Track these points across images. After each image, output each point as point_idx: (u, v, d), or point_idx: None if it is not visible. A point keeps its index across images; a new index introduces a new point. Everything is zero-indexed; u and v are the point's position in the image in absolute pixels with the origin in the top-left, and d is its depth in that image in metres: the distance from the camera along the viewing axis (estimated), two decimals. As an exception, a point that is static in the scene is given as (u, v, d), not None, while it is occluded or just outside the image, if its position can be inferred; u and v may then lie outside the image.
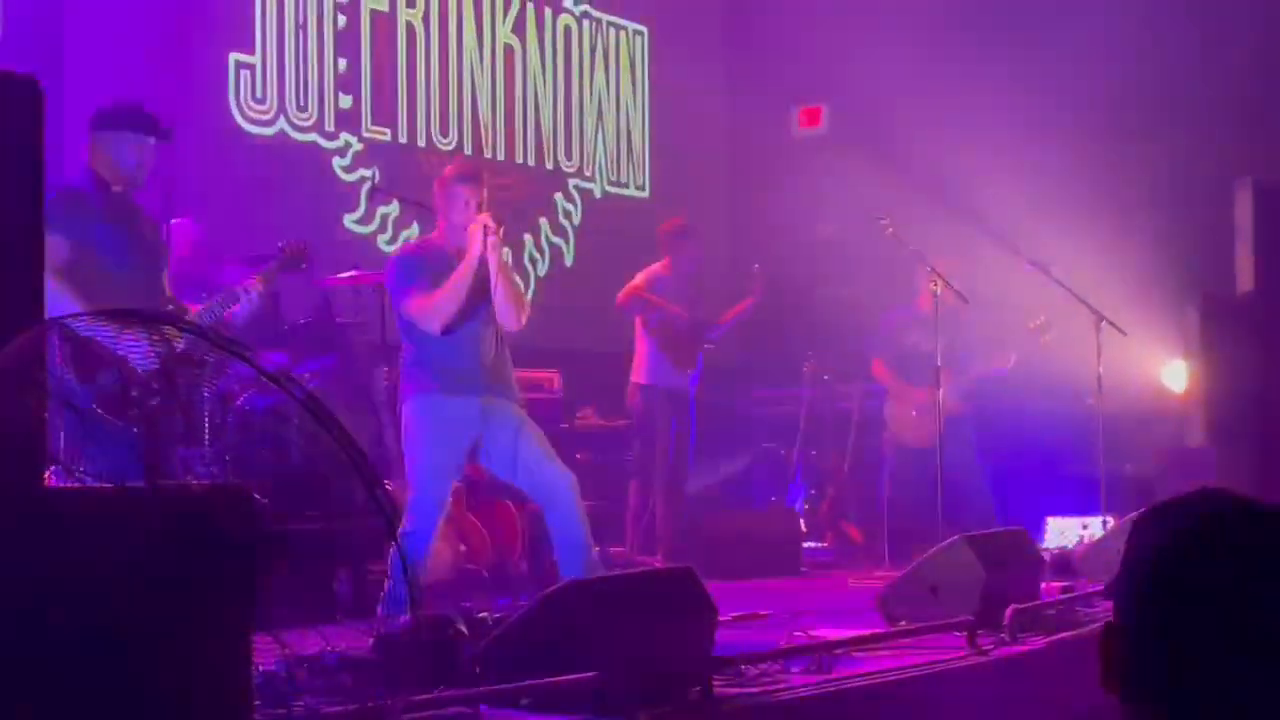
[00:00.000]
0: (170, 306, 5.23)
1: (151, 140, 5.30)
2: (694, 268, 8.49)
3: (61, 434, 3.00)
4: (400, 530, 5.52)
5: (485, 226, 5.53)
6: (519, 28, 10.03)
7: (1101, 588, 6.39)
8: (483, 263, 5.56)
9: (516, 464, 5.61)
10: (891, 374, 8.73)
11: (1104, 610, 6.05)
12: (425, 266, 5.60)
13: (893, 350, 8.72)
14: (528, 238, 10.00)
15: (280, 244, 5.85)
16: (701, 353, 8.50)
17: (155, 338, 2.91)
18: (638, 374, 8.40)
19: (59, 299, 4.79)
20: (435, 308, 5.50)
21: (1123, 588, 1.51)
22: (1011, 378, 8.82)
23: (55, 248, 4.86)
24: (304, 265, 5.83)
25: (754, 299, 8.72)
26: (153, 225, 5.44)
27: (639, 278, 8.41)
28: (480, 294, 5.59)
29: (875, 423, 9.06)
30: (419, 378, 5.59)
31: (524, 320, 5.70)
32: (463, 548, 6.74)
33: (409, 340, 5.68)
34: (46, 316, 4.06)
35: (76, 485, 3.02)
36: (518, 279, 5.95)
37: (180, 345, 2.99)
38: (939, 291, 7.64)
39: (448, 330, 5.53)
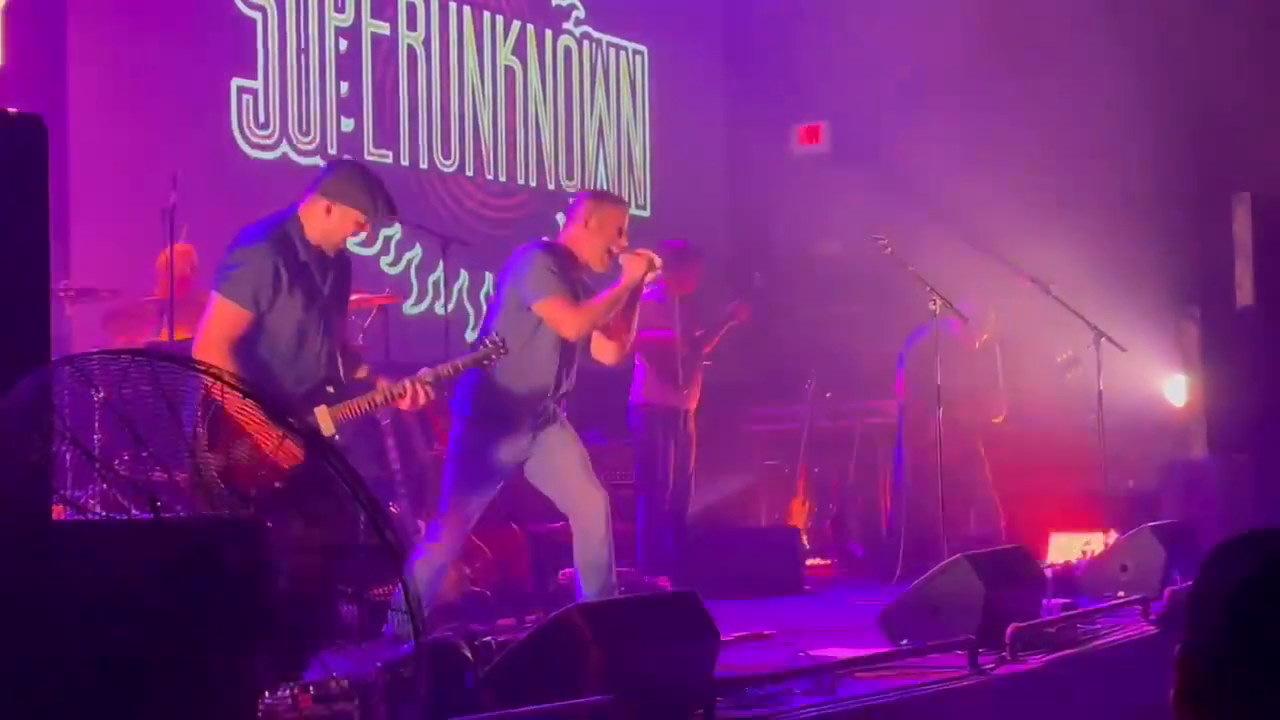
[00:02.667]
0: (337, 381, 5.01)
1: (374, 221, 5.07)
2: (692, 289, 8.52)
3: (69, 469, 3.03)
4: (421, 544, 5.58)
5: (651, 261, 5.58)
6: (519, 49, 10.08)
7: (1105, 605, 6.41)
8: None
9: (555, 480, 5.68)
10: (916, 392, 8.54)
11: (1106, 627, 6.07)
12: (563, 273, 5.60)
13: (922, 369, 8.50)
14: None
15: (480, 338, 5.52)
16: (699, 371, 8.52)
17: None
18: (635, 394, 8.45)
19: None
20: (582, 318, 5.52)
21: (1201, 618, 1.58)
22: (1013, 393, 8.85)
23: (235, 318, 4.78)
24: (489, 365, 5.45)
25: (743, 310, 8.75)
26: (347, 268, 5.16)
27: None
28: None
29: (882, 440, 9.05)
30: (479, 402, 5.58)
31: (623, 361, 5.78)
32: (468, 570, 6.76)
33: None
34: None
35: (83, 518, 3.05)
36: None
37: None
38: (938, 311, 7.66)
39: (533, 354, 5.53)
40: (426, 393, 5.12)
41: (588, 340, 5.75)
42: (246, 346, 4.81)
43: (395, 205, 5.15)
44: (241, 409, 3.18)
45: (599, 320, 5.61)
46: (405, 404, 5.14)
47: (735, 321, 8.76)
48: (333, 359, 5.04)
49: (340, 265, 5.11)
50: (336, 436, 4.90)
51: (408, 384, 5.09)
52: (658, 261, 5.65)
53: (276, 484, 3.15)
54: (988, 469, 8.59)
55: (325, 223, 4.96)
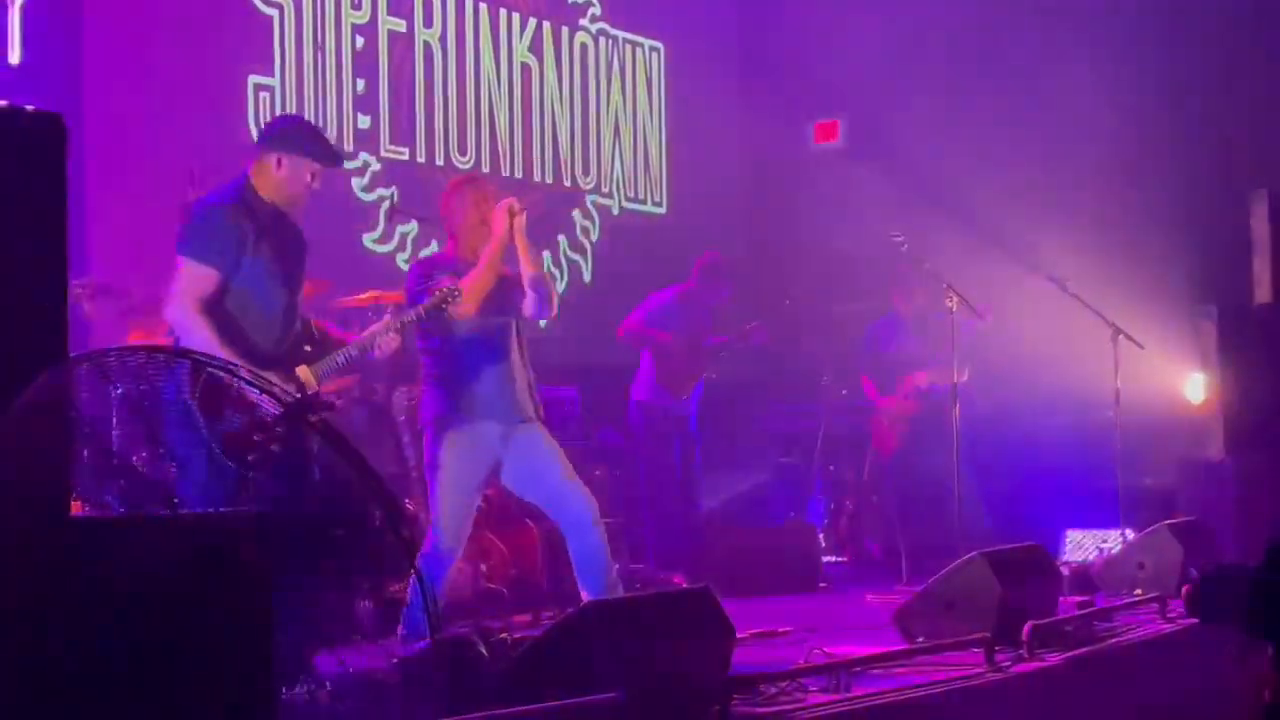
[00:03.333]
0: (312, 339, 5.09)
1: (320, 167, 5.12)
2: (723, 301, 8.58)
3: (85, 465, 3.05)
4: (423, 551, 5.58)
5: (510, 207, 5.55)
6: (536, 46, 10.08)
7: (1122, 603, 6.39)
8: (503, 284, 5.60)
9: (536, 484, 5.66)
10: (874, 388, 8.89)
11: (1123, 625, 6.06)
12: (441, 269, 5.61)
13: (870, 363, 8.91)
14: (546, 255, 10.04)
15: (432, 284, 5.50)
16: (701, 380, 8.58)
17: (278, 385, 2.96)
18: (636, 390, 8.49)
19: (197, 334, 4.77)
20: (465, 296, 5.47)
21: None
22: (1029, 391, 8.83)
23: (204, 277, 4.85)
24: (449, 309, 5.47)
25: (759, 332, 8.79)
26: (303, 241, 5.21)
27: (643, 306, 8.51)
28: (502, 308, 5.62)
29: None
30: (439, 401, 5.61)
31: (555, 308, 5.75)
32: (483, 566, 6.77)
33: (429, 359, 5.71)
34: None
35: (100, 514, 3.07)
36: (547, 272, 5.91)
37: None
38: (955, 308, 7.64)
39: (473, 335, 5.53)
40: (391, 339, 5.21)
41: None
42: (218, 306, 4.86)
43: (341, 153, 5.24)
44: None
45: (485, 281, 5.52)
46: (378, 352, 5.22)
47: (749, 341, 8.78)
48: (303, 318, 5.14)
49: (298, 235, 5.18)
50: (320, 392, 4.98)
51: (376, 333, 5.19)
52: (516, 205, 5.59)
53: (275, 446, 3.16)
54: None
55: (277, 175, 5.04)
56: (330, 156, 5.19)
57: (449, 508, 5.54)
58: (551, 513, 5.70)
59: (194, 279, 4.86)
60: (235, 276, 4.88)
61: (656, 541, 8.32)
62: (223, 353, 4.57)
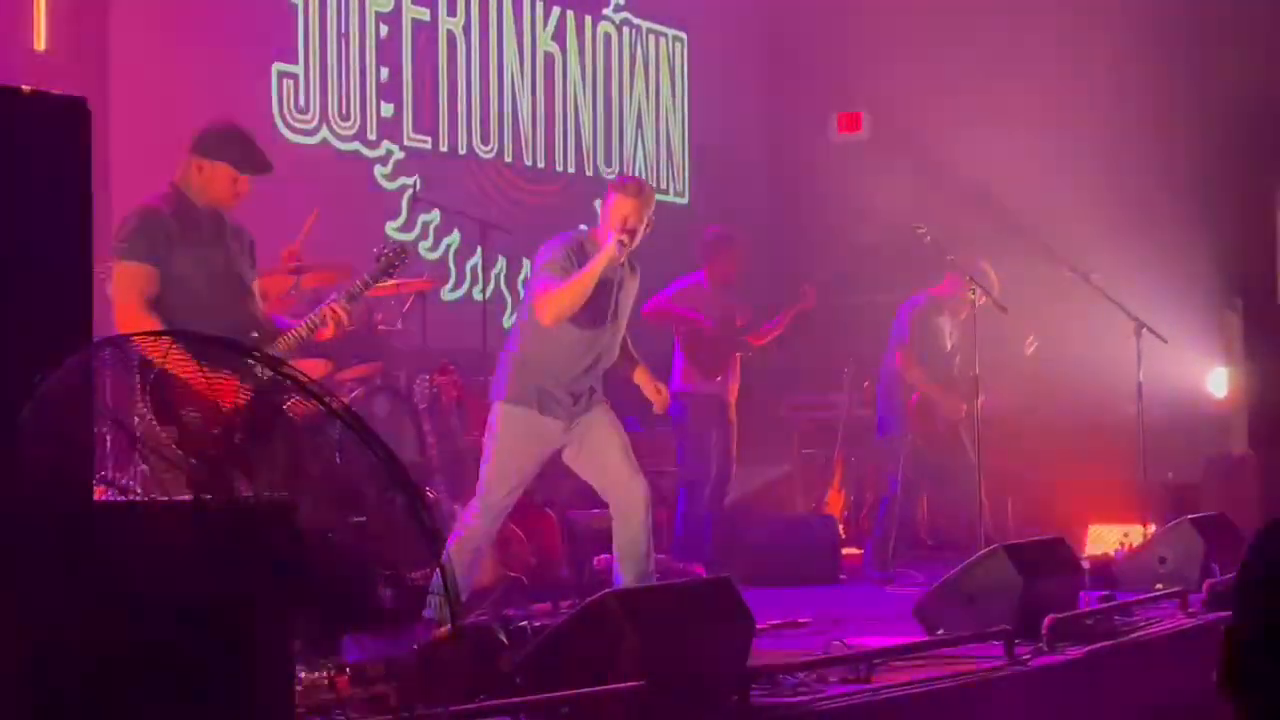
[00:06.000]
0: (256, 329, 5.10)
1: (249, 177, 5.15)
2: (733, 277, 8.49)
3: (109, 450, 3.05)
4: (457, 528, 5.62)
5: (620, 240, 5.58)
6: (559, 36, 10.08)
7: (1143, 597, 6.37)
8: (613, 288, 5.64)
9: (592, 467, 5.72)
10: (920, 370, 8.11)
11: (1144, 620, 6.04)
12: (576, 257, 5.62)
13: (916, 346, 8.16)
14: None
15: (376, 250, 5.50)
16: (736, 359, 8.49)
17: (243, 369, 2.95)
18: (675, 382, 8.44)
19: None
20: (550, 303, 5.52)
21: (1246, 600, 1.61)
22: (1052, 384, 8.79)
23: (142, 275, 4.88)
24: (394, 272, 5.52)
25: (797, 310, 8.70)
26: (246, 240, 5.23)
27: (670, 289, 8.45)
28: (600, 314, 5.66)
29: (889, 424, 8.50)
30: (515, 382, 5.63)
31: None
32: (506, 555, 6.78)
33: (521, 340, 5.72)
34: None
35: (124, 499, 3.08)
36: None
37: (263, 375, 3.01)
38: (979, 302, 7.61)
39: (564, 333, 5.56)
40: (343, 313, 5.17)
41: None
42: (162, 302, 4.88)
43: (268, 161, 5.20)
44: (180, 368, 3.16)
45: (573, 302, 5.55)
46: (329, 331, 5.18)
47: (804, 305, 8.70)
48: (252, 307, 5.14)
49: (239, 234, 5.20)
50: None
51: (325, 310, 5.17)
52: (628, 239, 5.61)
53: (237, 437, 3.14)
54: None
55: (199, 180, 5.07)
56: (250, 164, 5.15)
57: (495, 488, 5.59)
58: (606, 496, 5.74)
59: (132, 279, 4.89)
60: (170, 272, 4.92)
61: (683, 532, 8.31)
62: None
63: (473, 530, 5.58)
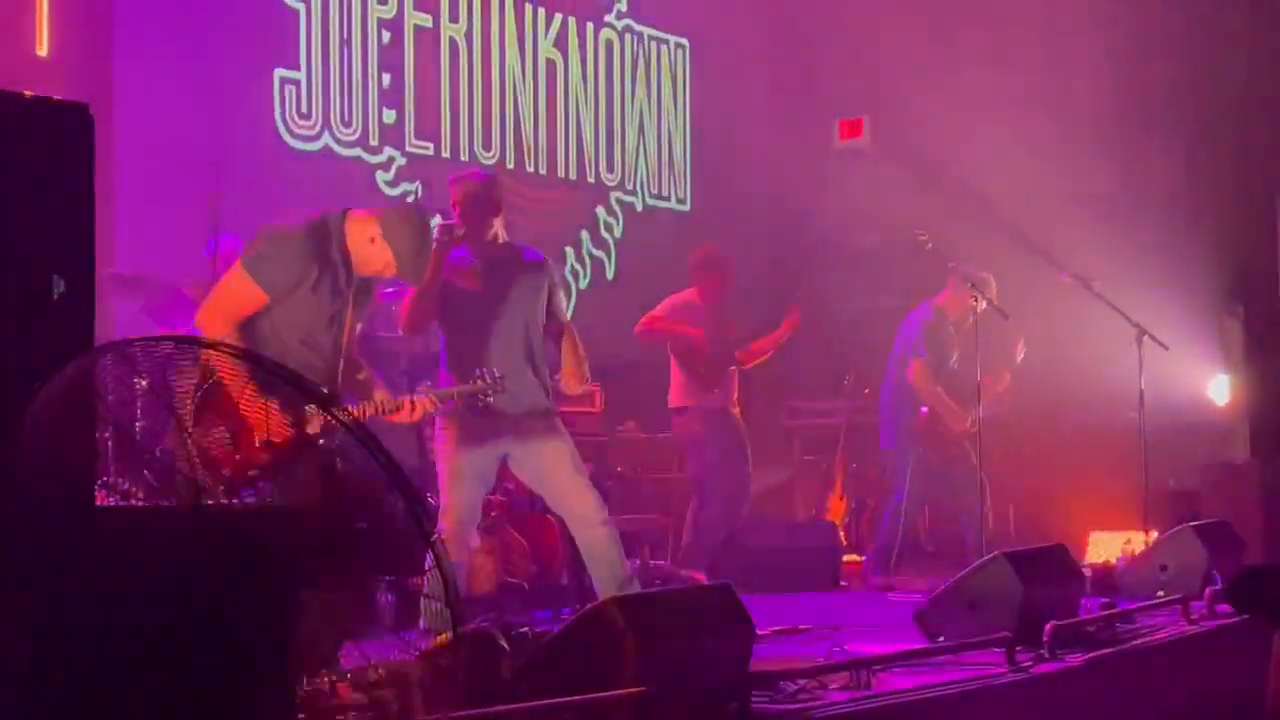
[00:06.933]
0: (333, 384, 4.91)
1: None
2: (723, 296, 8.42)
3: (111, 455, 3.06)
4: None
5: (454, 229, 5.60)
6: (561, 42, 10.09)
7: (1144, 604, 6.37)
8: (498, 277, 5.66)
9: (543, 480, 5.74)
10: (934, 384, 8.10)
11: (1146, 626, 6.03)
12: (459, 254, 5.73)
13: (928, 355, 8.12)
14: (569, 251, 10.06)
15: (479, 371, 5.45)
16: (733, 371, 8.48)
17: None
18: (672, 398, 8.43)
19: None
20: (406, 314, 5.63)
21: None
22: (1053, 391, 8.79)
23: (251, 297, 4.71)
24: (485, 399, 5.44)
25: (787, 329, 8.68)
26: (365, 302, 5.08)
27: (662, 305, 8.42)
28: (495, 309, 5.68)
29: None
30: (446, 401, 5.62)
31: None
32: (504, 561, 6.78)
33: (444, 350, 5.81)
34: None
35: (125, 505, 3.08)
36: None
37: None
38: (980, 308, 7.61)
39: (457, 340, 5.63)
40: (425, 407, 5.16)
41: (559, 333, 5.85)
42: (250, 328, 4.73)
43: (424, 271, 5.10)
44: (242, 385, 3.16)
45: (419, 308, 5.63)
46: (402, 417, 5.14)
47: (778, 342, 8.66)
48: (333, 362, 4.94)
49: (366, 286, 5.05)
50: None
51: (407, 401, 5.12)
52: (458, 231, 5.63)
53: (251, 471, 3.14)
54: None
55: (364, 248, 4.89)
56: (415, 270, 5.00)
57: (453, 498, 5.61)
58: (557, 508, 5.75)
59: (240, 294, 4.74)
60: (282, 302, 4.75)
61: (691, 540, 8.29)
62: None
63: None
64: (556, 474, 5.65)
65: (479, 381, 5.39)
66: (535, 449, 5.67)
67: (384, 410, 5.09)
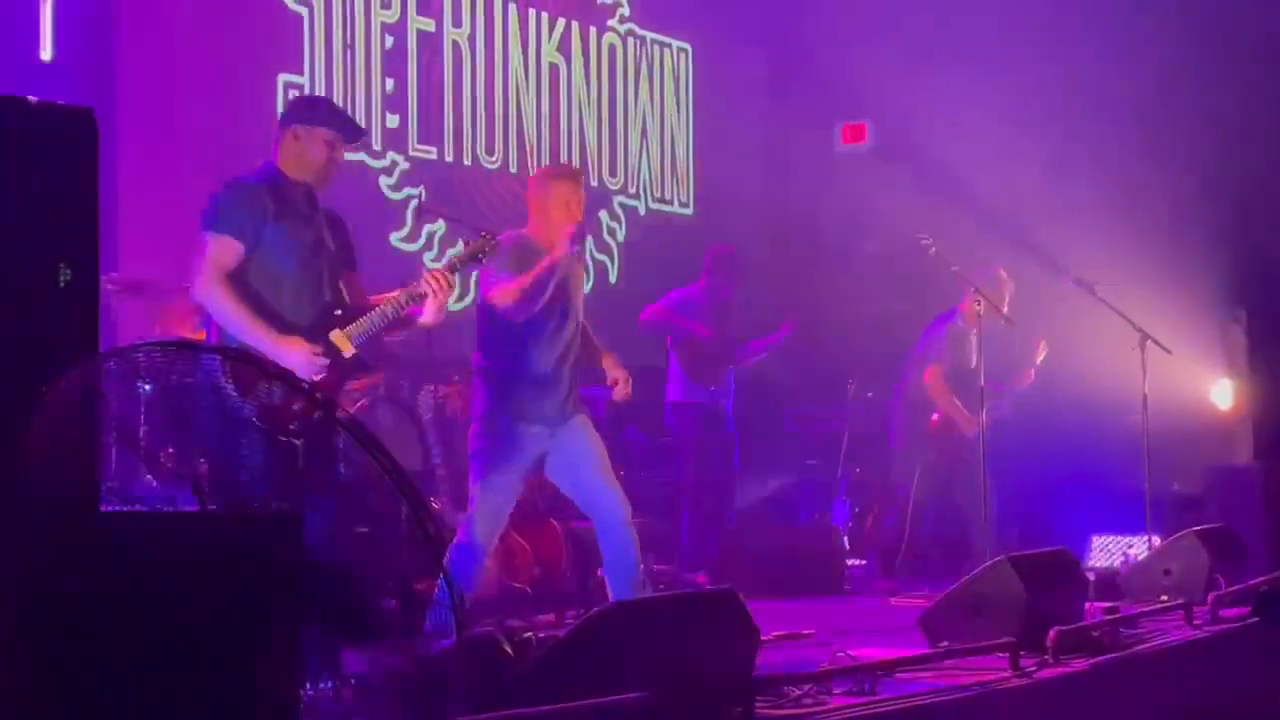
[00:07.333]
0: (343, 304, 5.02)
1: (342, 140, 5.12)
2: (732, 295, 8.48)
3: (113, 460, 3.06)
4: (455, 543, 5.62)
5: (579, 228, 5.62)
6: (564, 46, 10.09)
7: (1148, 609, 6.37)
8: (566, 281, 5.64)
9: (572, 480, 5.71)
10: (949, 390, 8.14)
11: (1149, 631, 6.03)
12: (514, 255, 5.62)
13: (947, 363, 8.17)
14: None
15: (477, 233, 5.42)
16: (731, 371, 8.50)
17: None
18: (669, 393, 8.46)
19: (221, 304, 4.82)
20: (519, 291, 5.52)
21: None
22: (1057, 395, 8.78)
23: (226, 248, 4.86)
24: (485, 258, 5.40)
25: (783, 334, 8.69)
26: (338, 222, 5.17)
27: (665, 298, 8.45)
28: (560, 310, 5.67)
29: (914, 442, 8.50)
30: (491, 396, 5.63)
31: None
32: (508, 565, 6.78)
33: (486, 352, 5.72)
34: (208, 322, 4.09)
35: (130, 509, 3.08)
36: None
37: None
38: (982, 312, 7.61)
39: (527, 335, 5.56)
40: (444, 281, 5.06)
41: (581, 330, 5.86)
42: (244, 279, 4.85)
43: (362, 127, 5.23)
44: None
45: (540, 290, 5.57)
46: (432, 306, 5.06)
47: (774, 345, 8.68)
48: (344, 287, 5.08)
49: (334, 219, 5.15)
50: (356, 354, 4.94)
51: (427, 278, 5.04)
52: (580, 235, 5.65)
53: (318, 415, 3.15)
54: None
55: (295, 148, 5.04)
56: (347, 126, 5.18)
57: (486, 504, 5.57)
58: (584, 508, 5.73)
59: (217, 251, 4.86)
60: (257, 248, 4.87)
61: (688, 542, 8.31)
62: (247, 321, 4.73)
63: (469, 546, 5.55)
64: (583, 472, 5.65)
65: (476, 241, 5.36)
66: (570, 447, 5.66)
67: (409, 299, 5.05)
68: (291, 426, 3.11)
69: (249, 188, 4.96)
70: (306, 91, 8.34)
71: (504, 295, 5.58)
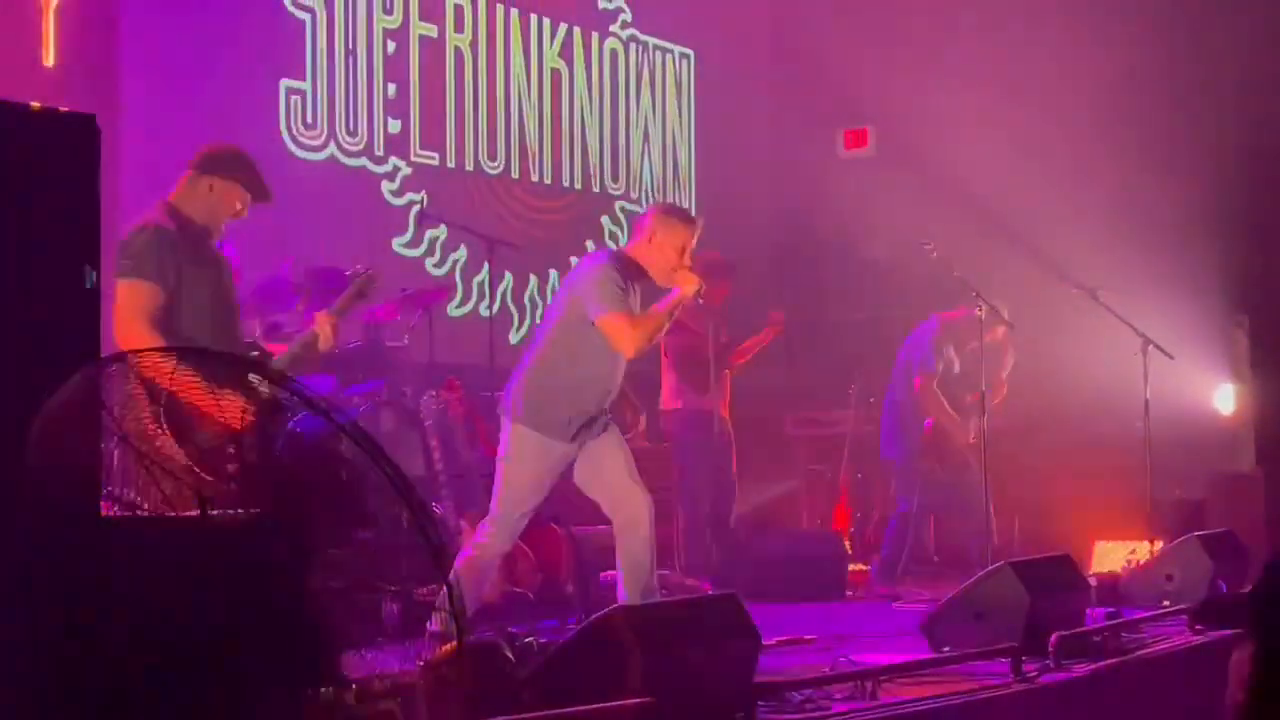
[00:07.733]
0: (256, 345, 5.18)
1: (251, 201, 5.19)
2: (720, 302, 8.44)
3: (115, 465, 3.06)
4: (468, 544, 5.62)
5: (701, 284, 5.67)
6: (566, 52, 10.10)
7: (1150, 614, 6.37)
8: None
9: (598, 481, 5.69)
10: (939, 399, 8.13)
11: (1151, 637, 6.03)
12: (627, 287, 5.62)
13: (935, 369, 8.16)
14: (574, 260, 10.04)
15: (349, 273, 5.71)
16: (725, 376, 8.51)
17: (247, 388, 2.98)
18: (664, 400, 8.47)
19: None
20: (639, 336, 5.54)
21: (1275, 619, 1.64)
22: (1059, 400, 8.78)
23: (149, 293, 4.88)
24: (369, 295, 5.62)
25: (768, 337, 8.69)
26: (229, 268, 5.30)
27: (658, 304, 8.42)
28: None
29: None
30: (536, 410, 5.58)
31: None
32: (509, 571, 6.78)
33: (544, 361, 5.67)
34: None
35: (131, 516, 3.08)
36: None
37: (266, 393, 3.03)
38: (984, 316, 7.61)
39: (589, 364, 5.58)
40: (329, 327, 5.27)
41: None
42: (168, 322, 4.88)
43: (270, 191, 5.25)
44: (188, 390, 3.16)
45: (653, 337, 5.65)
46: (323, 345, 5.27)
47: (771, 336, 8.67)
48: (240, 330, 5.25)
49: (219, 256, 5.22)
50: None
51: (317, 328, 5.26)
52: (703, 287, 5.70)
53: (252, 455, 3.14)
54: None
55: (207, 198, 5.09)
56: (261, 191, 5.21)
57: (508, 509, 5.57)
58: (610, 511, 5.71)
59: (137, 297, 4.88)
60: (178, 291, 4.92)
61: (687, 547, 8.31)
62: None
63: (484, 549, 5.57)
64: (610, 474, 5.64)
65: (357, 281, 5.49)
66: (598, 450, 5.66)
67: (307, 345, 5.25)
68: (230, 468, 3.10)
69: (163, 231, 4.97)
70: (308, 96, 8.35)
71: (620, 332, 5.53)
